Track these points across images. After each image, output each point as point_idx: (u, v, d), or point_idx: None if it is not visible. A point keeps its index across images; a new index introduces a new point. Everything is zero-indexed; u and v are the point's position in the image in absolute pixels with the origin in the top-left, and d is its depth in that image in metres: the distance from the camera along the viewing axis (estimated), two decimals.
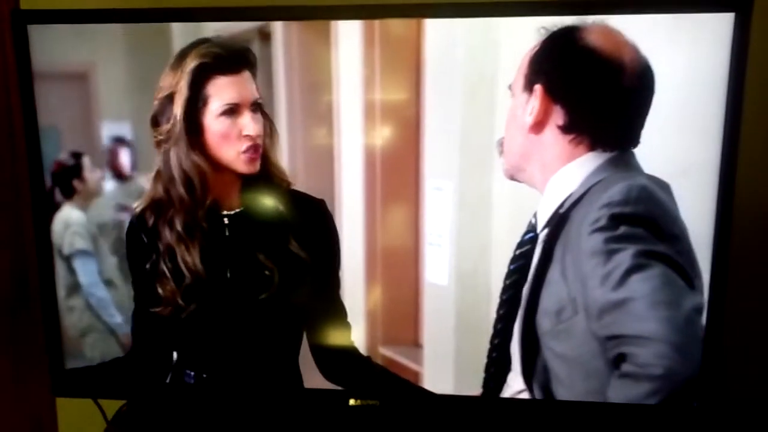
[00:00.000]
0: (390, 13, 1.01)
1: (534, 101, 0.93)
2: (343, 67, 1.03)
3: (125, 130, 1.07)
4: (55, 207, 1.12)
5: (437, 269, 1.07)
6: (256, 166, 1.02)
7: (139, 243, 1.07)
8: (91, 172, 1.10)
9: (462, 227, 1.05)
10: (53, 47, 1.04)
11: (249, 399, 1.15)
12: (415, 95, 1.04)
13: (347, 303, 1.10)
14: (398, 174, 1.07)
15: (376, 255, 1.09)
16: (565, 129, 0.93)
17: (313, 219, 1.07)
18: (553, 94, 0.93)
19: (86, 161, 1.10)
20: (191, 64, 0.97)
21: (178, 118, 0.99)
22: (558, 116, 0.93)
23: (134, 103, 1.06)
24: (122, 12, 1.04)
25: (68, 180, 1.11)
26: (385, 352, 1.13)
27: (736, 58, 0.91)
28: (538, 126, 0.94)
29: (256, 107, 1.01)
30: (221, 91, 0.98)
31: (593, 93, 0.93)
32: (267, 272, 1.05)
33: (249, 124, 1.00)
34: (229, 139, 1.00)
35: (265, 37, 1.05)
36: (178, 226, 1.03)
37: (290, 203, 1.06)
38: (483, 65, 1.00)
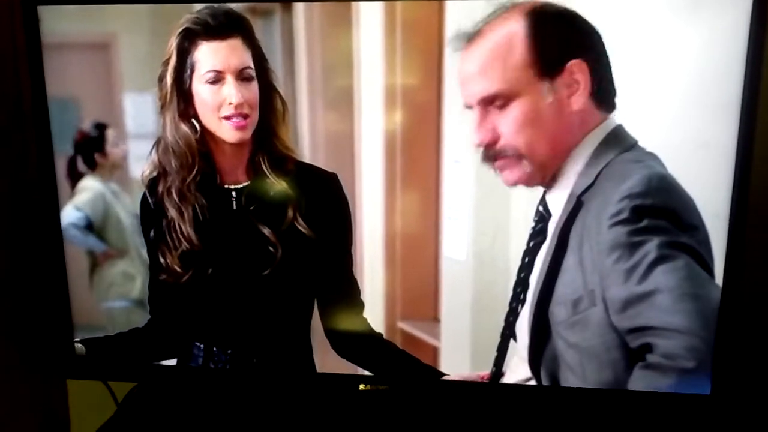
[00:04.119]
0: None
1: (574, 77, 0.89)
2: (364, 45, 1.02)
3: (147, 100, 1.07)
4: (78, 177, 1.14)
5: (455, 244, 1.08)
6: (245, 134, 1.02)
7: (147, 208, 1.08)
8: (112, 146, 1.11)
9: (480, 202, 1.05)
10: (71, 18, 1.06)
11: (259, 382, 1.15)
12: (435, 74, 1.03)
13: (366, 277, 1.09)
14: (418, 151, 1.06)
15: (395, 231, 1.09)
16: (596, 100, 0.90)
17: (323, 194, 1.06)
18: (591, 65, 0.90)
19: (109, 133, 1.11)
20: (177, 29, 0.99)
21: (168, 83, 1.01)
22: (587, 89, 0.90)
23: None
24: None
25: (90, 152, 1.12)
26: (404, 326, 1.13)
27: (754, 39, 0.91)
28: (570, 105, 0.90)
29: (246, 75, 1.00)
30: (206, 57, 0.99)
31: (601, 59, 0.91)
32: (271, 248, 1.05)
33: (233, 92, 0.99)
34: (214, 107, 1.00)
35: (287, 7, 1.04)
36: (174, 194, 1.05)
37: (300, 178, 1.05)
38: None
